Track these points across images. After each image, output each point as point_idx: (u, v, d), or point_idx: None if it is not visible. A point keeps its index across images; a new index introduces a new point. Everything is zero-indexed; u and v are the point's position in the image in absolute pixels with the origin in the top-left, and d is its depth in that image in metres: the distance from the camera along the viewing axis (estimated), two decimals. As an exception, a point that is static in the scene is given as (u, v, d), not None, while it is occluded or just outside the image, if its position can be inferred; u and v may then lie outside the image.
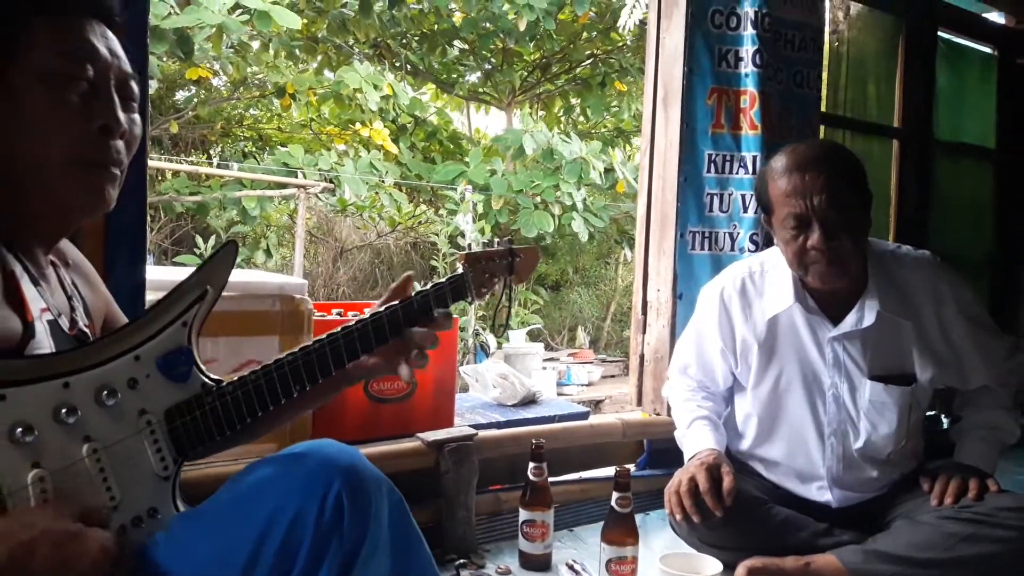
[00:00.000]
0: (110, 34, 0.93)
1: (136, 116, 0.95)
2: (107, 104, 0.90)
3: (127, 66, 0.94)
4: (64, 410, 0.84)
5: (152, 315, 0.93)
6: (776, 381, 1.73)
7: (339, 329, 1.03)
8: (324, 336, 1.02)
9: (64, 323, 0.94)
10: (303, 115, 8.57)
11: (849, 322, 1.65)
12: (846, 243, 1.56)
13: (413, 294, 1.09)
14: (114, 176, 0.92)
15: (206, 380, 0.95)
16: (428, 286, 1.10)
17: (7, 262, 0.87)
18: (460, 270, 1.14)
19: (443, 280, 1.11)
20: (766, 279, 1.75)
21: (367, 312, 1.07)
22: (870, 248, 1.69)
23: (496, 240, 1.21)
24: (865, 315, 1.64)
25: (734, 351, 1.78)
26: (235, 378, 0.97)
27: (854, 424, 1.69)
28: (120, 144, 0.92)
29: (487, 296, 1.18)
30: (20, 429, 0.81)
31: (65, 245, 1.05)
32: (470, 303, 1.19)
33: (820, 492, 1.73)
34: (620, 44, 8.54)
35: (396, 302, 1.07)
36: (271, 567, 0.80)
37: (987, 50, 3.18)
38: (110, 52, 0.91)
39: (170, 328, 0.93)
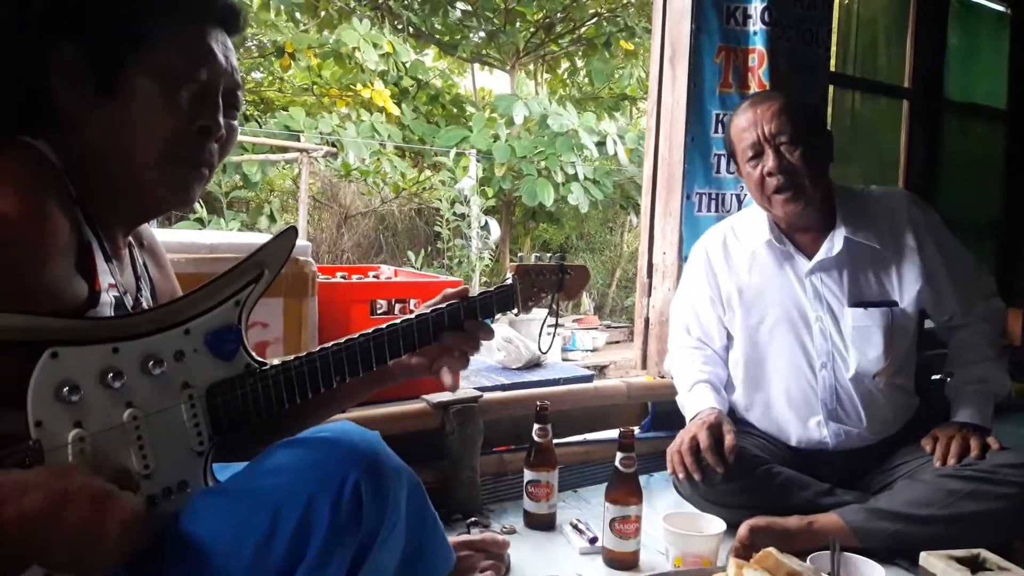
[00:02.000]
0: (230, 44, 0.97)
1: (235, 123, 0.98)
2: (212, 107, 0.93)
3: (238, 77, 0.98)
4: (111, 374, 0.85)
5: (206, 291, 0.94)
6: (762, 321, 1.80)
7: (384, 325, 1.05)
8: (369, 331, 1.04)
9: (128, 301, 0.96)
10: (304, 79, 8.46)
11: (821, 252, 1.74)
12: (799, 167, 1.65)
13: (461, 301, 1.11)
14: (202, 175, 0.95)
15: (251, 361, 0.96)
16: (476, 294, 1.13)
17: (85, 234, 0.89)
18: (509, 280, 1.15)
19: (491, 289, 1.14)
20: (745, 227, 1.86)
21: (406, 315, 1.09)
22: (839, 189, 1.79)
23: (549, 255, 1.23)
24: (834, 243, 1.72)
25: (720, 298, 1.86)
26: (278, 362, 0.98)
27: (843, 354, 1.74)
28: (215, 147, 0.95)
29: (532, 310, 1.20)
30: (67, 388, 0.82)
31: (142, 227, 1.07)
32: (516, 315, 1.21)
33: (818, 428, 1.77)
34: (625, 1, 8.37)
35: (443, 305, 1.10)
36: (286, 546, 0.81)
37: (1000, 8, 3.11)
38: (226, 60, 0.95)
39: (223, 306, 0.94)
